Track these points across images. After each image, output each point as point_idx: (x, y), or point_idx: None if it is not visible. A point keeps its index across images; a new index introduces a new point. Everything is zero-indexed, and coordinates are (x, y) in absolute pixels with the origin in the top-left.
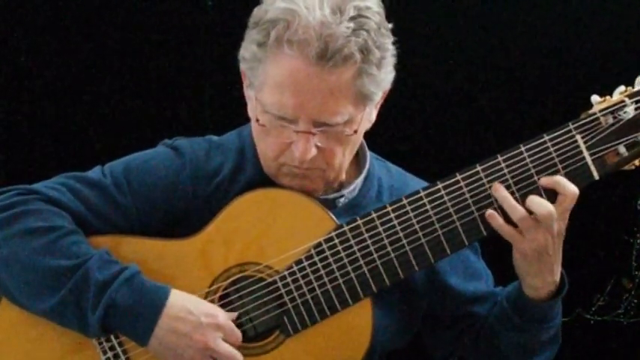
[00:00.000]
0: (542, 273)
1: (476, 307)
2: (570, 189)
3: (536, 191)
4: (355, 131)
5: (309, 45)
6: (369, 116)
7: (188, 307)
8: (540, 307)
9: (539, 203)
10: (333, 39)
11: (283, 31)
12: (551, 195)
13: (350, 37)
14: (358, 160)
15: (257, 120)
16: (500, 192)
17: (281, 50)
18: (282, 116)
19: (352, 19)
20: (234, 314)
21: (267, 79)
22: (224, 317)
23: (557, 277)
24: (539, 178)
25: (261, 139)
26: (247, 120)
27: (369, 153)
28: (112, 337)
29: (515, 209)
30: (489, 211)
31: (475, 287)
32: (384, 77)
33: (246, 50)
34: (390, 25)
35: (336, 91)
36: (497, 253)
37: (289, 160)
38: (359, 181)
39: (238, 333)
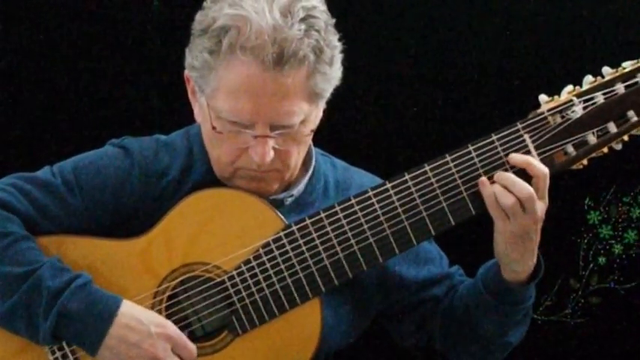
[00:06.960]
0: (523, 258)
1: (433, 290)
2: (541, 169)
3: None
4: (312, 130)
5: (263, 50)
6: (318, 113)
7: (138, 317)
8: (520, 290)
9: (520, 186)
10: (287, 42)
11: (235, 37)
12: (522, 178)
13: (303, 38)
14: (305, 157)
15: (213, 127)
16: (488, 187)
17: (234, 57)
18: (238, 122)
19: (302, 20)
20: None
21: (220, 86)
22: (174, 328)
23: (535, 260)
24: (507, 161)
25: (216, 145)
26: (194, 119)
27: (314, 149)
28: None
29: (507, 196)
30: (482, 179)
31: (428, 271)
32: (335, 74)
33: (196, 59)
34: (333, 21)
35: (292, 93)
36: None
37: (246, 164)
38: (306, 178)
39: (192, 347)
